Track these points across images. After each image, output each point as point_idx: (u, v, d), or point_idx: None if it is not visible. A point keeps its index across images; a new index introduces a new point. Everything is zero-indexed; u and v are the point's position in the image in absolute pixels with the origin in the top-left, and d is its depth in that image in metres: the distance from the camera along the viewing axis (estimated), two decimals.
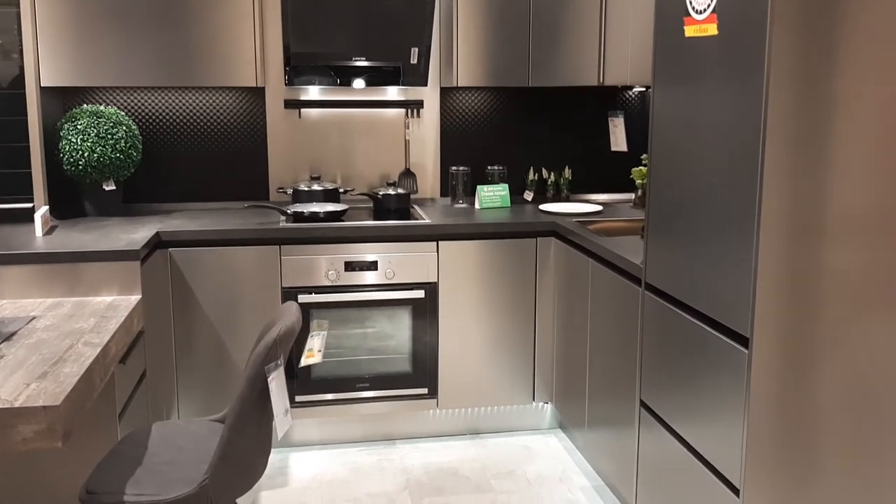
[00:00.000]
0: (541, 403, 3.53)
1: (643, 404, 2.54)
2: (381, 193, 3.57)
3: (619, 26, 3.47)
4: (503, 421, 3.53)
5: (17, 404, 1.73)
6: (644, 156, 3.75)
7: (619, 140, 3.85)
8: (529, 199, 3.88)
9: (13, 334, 2.22)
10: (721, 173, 2.03)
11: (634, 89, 3.93)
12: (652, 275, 2.44)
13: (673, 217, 2.30)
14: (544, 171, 3.91)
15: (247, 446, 1.99)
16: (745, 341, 1.95)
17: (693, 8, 2.14)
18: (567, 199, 3.88)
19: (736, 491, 2.01)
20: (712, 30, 2.05)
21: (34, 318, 2.41)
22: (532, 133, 3.91)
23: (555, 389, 3.43)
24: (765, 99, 1.82)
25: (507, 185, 3.72)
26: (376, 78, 3.53)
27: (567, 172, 3.88)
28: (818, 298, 1.91)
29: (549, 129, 3.92)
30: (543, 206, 3.63)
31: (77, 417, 1.88)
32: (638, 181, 3.70)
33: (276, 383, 1.98)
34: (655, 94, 2.38)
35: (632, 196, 3.94)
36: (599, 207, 3.64)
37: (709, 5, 2.06)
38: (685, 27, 2.19)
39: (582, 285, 3.06)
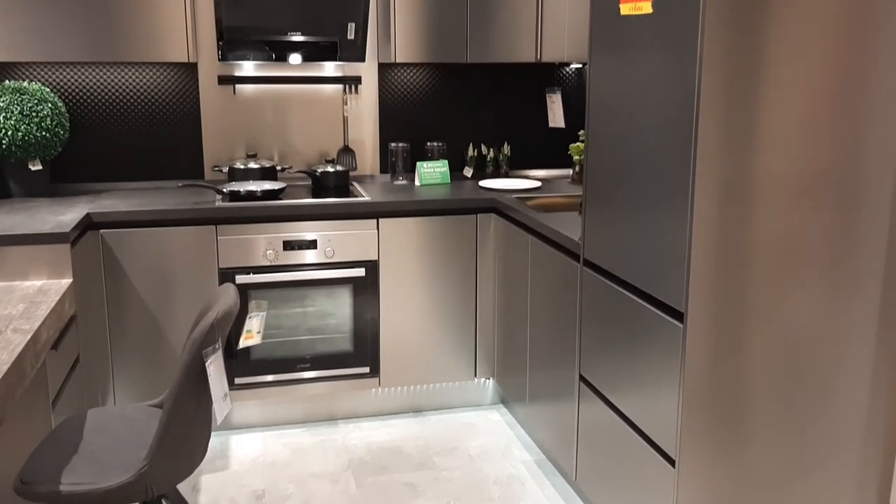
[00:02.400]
0: (483, 379, 3.56)
1: (582, 378, 2.58)
2: (319, 171, 3.53)
3: (556, 3, 3.48)
4: (445, 398, 3.56)
5: None
6: (581, 132, 3.79)
7: (556, 116, 3.88)
8: (469, 175, 3.88)
9: None
10: (656, 147, 2.06)
11: (571, 66, 3.95)
12: (590, 250, 2.47)
13: (610, 192, 2.33)
14: (483, 148, 3.92)
15: (185, 431, 1.96)
16: (679, 316, 2.00)
17: None
18: (506, 176, 3.90)
19: (672, 461, 2.07)
20: (647, 8, 2.07)
21: None
22: (471, 109, 3.91)
23: (496, 365, 3.47)
24: (698, 75, 1.85)
25: (446, 162, 3.71)
26: (313, 53, 3.47)
27: (506, 148, 3.89)
28: (748, 268, 1.96)
29: (488, 106, 3.92)
30: (483, 183, 3.64)
31: (8, 406, 1.82)
32: (576, 157, 3.73)
33: (215, 367, 1.95)
34: (592, 70, 2.40)
35: (570, 172, 3.98)
36: (538, 183, 3.67)
37: None
38: (620, 5, 2.20)
39: (522, 261, 3.09)
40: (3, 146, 3.10)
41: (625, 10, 2.19)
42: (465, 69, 3.85)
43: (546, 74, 3.94)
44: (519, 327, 3.15)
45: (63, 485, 1.87)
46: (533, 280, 2.99)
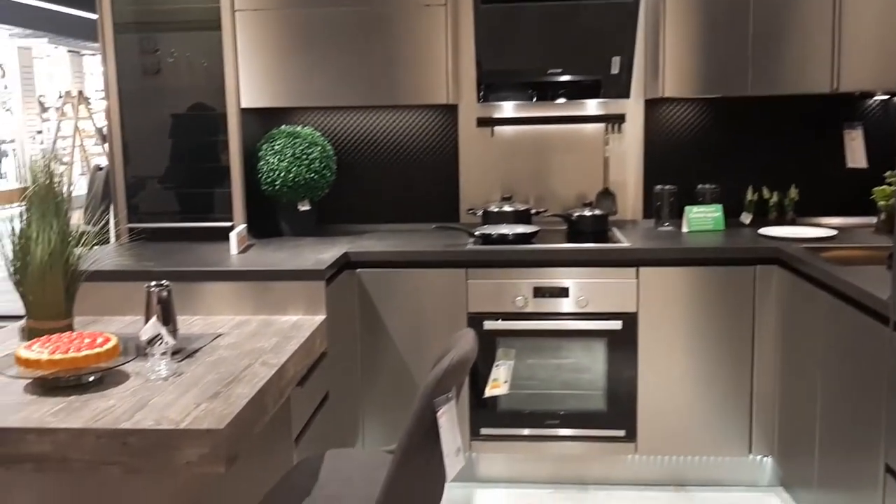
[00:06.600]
0: (759, 456, 3.07)
1: (889, 470, 2.08)
2: (575, 214, 3.32)
3: (858, 22, 3.00)
4: (713, 473, 3.11)
5: (182, 425, 1.67)
6: (888, 173, 3.21)
7: (856, 155, 3.33)
8: (747, 221, 3.44)
9: (196, 351, 2.20)
10: None
11: (876, 97, 3.39)
12: None
13: None
14: (765, 191, 3.46)
15: (414, 486, 1.81)
16: None
17: None
18: (792, 223, 3.40)
19: None
20: None
21: (220, 335, 2.40)
22: (750, 148, 3.48)
23: (777, 441, 2.97)
24: None
25: (720, 206, 3.32)
26: (574, 91, 3.30)
27: (793, 192, 3.41)
28: None
29: (771, 144, 3.47)
30: (764, 230, 3.20)
31: (244, 442, 1.79)
32: (881, 202, 3.18)
33: (447, 419, 1.78)
34: None
35: (873, 220, 3.38)
36: (833, 232, 3.15)
37: None
38: None
39: (812, 323, 2.61)
40: (276, 186, 3.26)
41: None
42: (743, 103, 3.44)
43: (843, 107, 3.41)
44: (807, 400, 2.66)
45: None
46: (826, 345, 2.50)
